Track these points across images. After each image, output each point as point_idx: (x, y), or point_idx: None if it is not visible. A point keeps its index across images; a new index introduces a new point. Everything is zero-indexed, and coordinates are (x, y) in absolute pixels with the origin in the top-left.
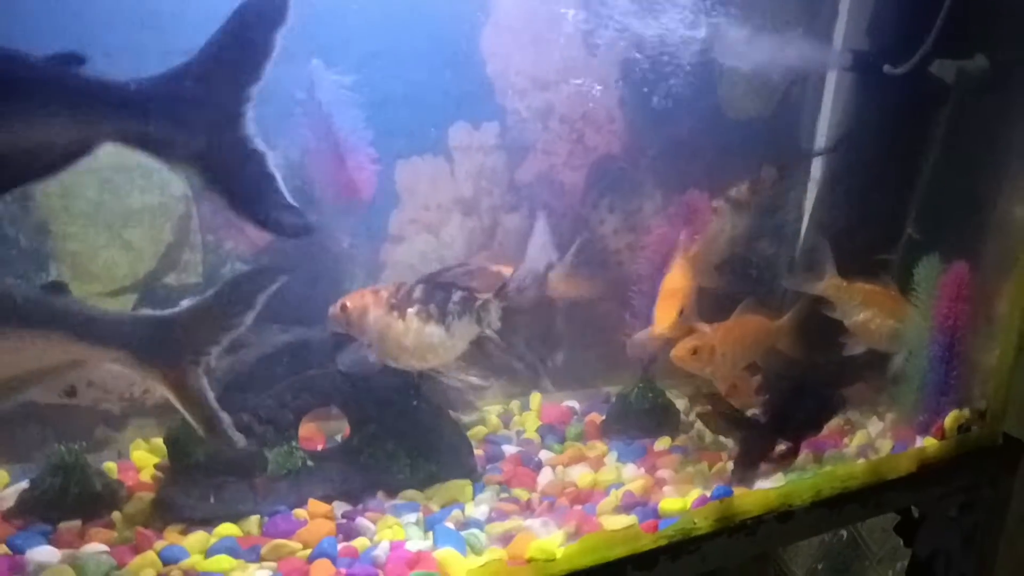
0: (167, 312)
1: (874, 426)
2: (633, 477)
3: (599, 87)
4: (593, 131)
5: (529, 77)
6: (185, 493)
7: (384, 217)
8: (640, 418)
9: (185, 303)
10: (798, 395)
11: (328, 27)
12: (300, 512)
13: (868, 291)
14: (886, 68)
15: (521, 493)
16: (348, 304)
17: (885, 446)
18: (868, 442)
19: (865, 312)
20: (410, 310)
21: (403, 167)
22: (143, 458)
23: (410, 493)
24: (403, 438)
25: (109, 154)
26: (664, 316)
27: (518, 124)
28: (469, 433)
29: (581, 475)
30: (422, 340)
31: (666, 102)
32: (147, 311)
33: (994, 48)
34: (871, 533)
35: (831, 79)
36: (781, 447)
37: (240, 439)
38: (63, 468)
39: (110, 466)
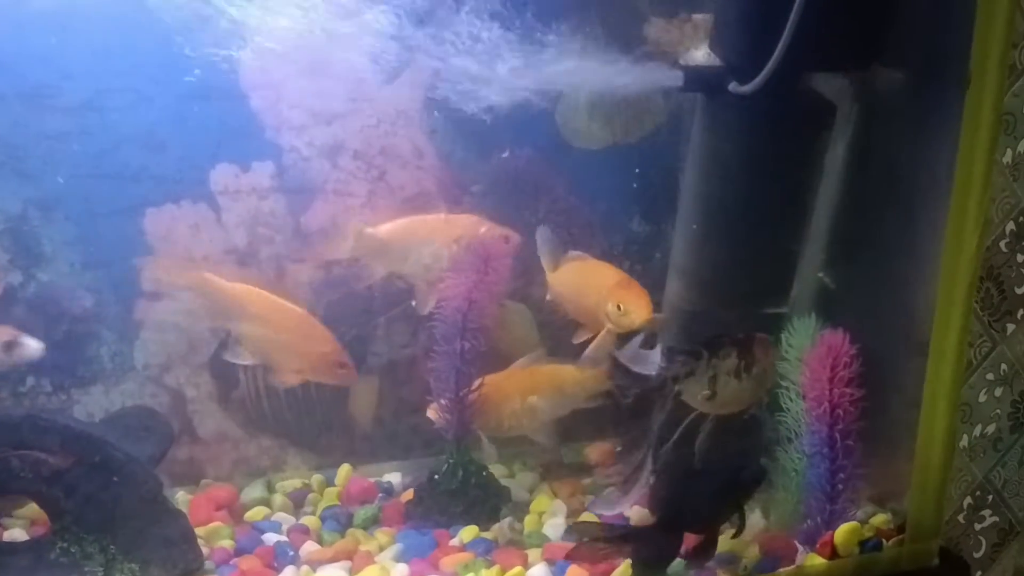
0: None
1: (757, 522)
2: None
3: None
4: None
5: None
6: None
7: (133, 271)
8: (447, 501)
9: None
10: (693, 478)
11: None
12: None
13: None
14: (732, 87)
15: None
16: None
17: (748, 557)
18: (726, 549)
19: None
20: None
21: (154, 215)
22: None
23: None
24: (102, 531)
25: None
26: (644, 303)
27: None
28: (246, 515)
29: None
30: None
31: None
32: None
33: (903, 59)
34: None
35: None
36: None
37: None
38: None
39: None
